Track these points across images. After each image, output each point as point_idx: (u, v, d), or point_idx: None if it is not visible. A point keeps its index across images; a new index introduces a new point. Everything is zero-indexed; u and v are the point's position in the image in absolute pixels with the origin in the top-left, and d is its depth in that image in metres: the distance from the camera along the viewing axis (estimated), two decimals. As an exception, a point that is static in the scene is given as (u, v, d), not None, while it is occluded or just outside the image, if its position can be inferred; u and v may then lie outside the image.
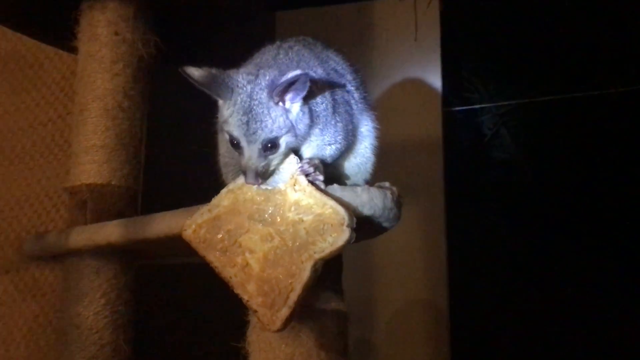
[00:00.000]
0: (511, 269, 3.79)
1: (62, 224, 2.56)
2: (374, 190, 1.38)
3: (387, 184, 1.51)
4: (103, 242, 1.75)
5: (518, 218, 3.87)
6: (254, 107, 1.26)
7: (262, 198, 1.33)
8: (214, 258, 1.34)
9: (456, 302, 3.50)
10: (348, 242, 1.26)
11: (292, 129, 1.30)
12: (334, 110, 1.39)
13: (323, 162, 1.40)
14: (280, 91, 1.26)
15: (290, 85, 1.25)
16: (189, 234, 1.37)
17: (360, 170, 1.57)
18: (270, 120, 1.27)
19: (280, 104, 1.29)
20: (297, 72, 1.24)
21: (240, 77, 1.29)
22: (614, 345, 3.45)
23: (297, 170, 1.33)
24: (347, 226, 1.26)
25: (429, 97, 3.66)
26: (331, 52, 1.54)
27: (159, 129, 2.27)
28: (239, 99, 1.27)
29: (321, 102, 1.37)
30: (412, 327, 3.47)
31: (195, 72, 1.27)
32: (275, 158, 1.31)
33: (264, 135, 1.26)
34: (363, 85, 1.58)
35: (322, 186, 1.33)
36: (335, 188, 1.36)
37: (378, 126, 1.59)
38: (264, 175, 1.29)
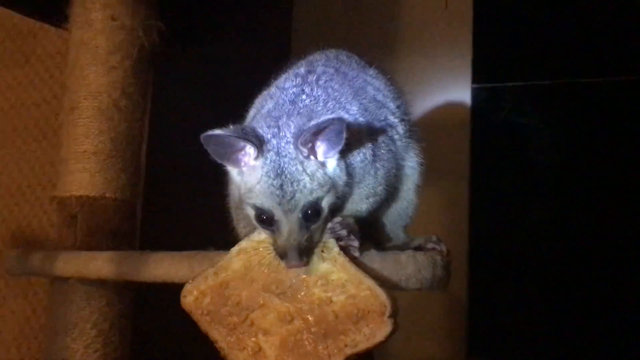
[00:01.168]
0: (536, 257, 3.60)
1: (56, 218, 2.35)
2: (421, 258, 1.10)
3: (434, 238, 1.23)
4: (92, 276, 1.50)
5: (546, 204, 3.67)
6: (286, 166, 1.00)
7: (282, 266, 1.06)
8: (219, 336, 1.08)
9: (475, 290, 3.31)
10: (389, 337, 0.99)
11: (332, 186, 1.03)
12: (374, 157, 1.11)
13: (357, 218, 1.12)
14: (306, 139, 0.99)
15: (319, 132, 0.98)
16: (190, 302, 1.11)
17: (401, 217, 1.30)
18: (307, 179, 1.00)
19: (312, 157, 1.02)
20: (329, 117, 0.97)
21: (263, 131, 1.02)
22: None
23: (326, 232, 1.06)
24: (390, 317, 0.99)
25: (458, 71, 3.39)
26: (369, 74, 1.24)
27: (161, 132, 1.98)
28: (268, 158, 1.00)
29: (358, 152, 1.09)
30: (428, 315, 3.28)
31: (220, 137, 0.99)
32: (318, 228, 1.04)
33: (303, 199, 1.00)
34: (408, 112, 1.29)
35: (357, 254, 1.06)
36: (373, 255, 1.08)
37: (423, 160, 1.31)
38: (309, 252, 1.02)
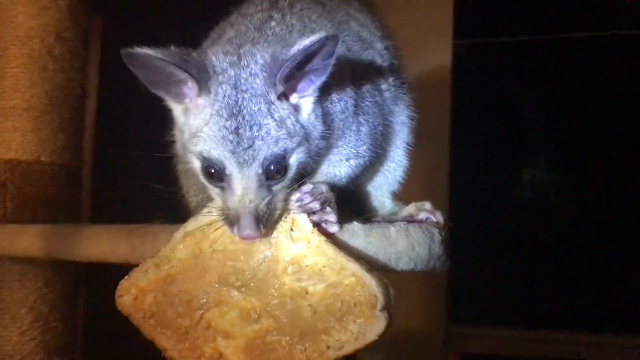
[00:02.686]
0: (516, 221, 3.56)
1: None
2: (415, 233, 0.88)
3: (427, 205, 1.02)
4: (18, 254, 1.28)
5: (527, 164, 3.59)
6: (246, 104, 0.76)
7: (241, 250, 0.83)
8: (168, 344, 0.85)
9: (455, 256, 3.19)
10: (383, 334, 0.78)
11: (304, 138, 0.80)
12: (357, 109, 0.89)
13: (334, 185, 0.90)
14: (287, 75, 0.76)
15: (307, 62, 0.75)
16: (127, 303, 0.87)
17: (387, 181, 1.08)
18: (273, 124, 0.77)
19: (283, 98, 0.79)
20: (319, 35, 0.73)
21: (217, 59, 0.78)
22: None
23: (294, 205, 0.83)
24: (382, 310, 0.78)
25: (438, 27, 3.21)
26: (353, 5, 1.00)
27: (113, 86, 1.70)
28: (220, 93, 0.76)
29: (338, 100, 0.86)
30: (408, 282, 3.12)
31: (145, 57, 0.74)
32: (281, 190, 0.82)
33: (265, 149, 0.77)
34: (397, 55, 1.06)
35: (335, 229, 0.84)
36: (355, 229, 0.86)
37: (415, 113, 1.09)
38: (269, 220, 0.80)
